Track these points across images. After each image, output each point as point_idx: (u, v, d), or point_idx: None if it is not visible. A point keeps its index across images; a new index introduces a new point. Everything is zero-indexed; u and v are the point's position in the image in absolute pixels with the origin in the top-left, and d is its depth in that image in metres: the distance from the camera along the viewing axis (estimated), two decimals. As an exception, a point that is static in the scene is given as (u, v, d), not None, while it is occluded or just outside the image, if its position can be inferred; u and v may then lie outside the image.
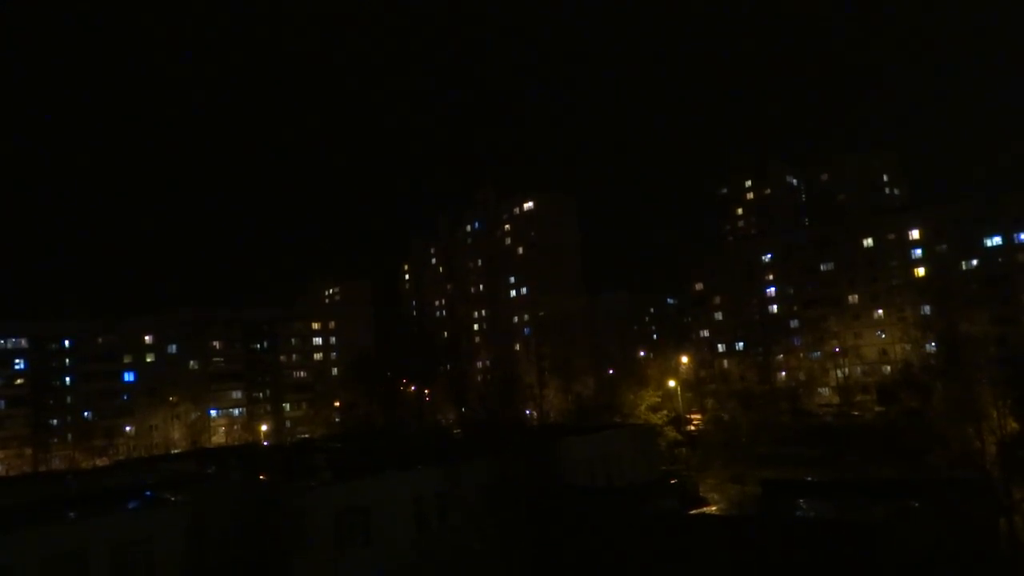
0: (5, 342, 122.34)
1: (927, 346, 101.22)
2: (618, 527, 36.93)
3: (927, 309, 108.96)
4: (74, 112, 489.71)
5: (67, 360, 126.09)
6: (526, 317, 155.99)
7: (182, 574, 35.81)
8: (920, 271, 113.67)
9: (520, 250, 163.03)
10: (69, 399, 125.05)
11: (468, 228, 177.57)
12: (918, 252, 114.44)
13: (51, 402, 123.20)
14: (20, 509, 38.99)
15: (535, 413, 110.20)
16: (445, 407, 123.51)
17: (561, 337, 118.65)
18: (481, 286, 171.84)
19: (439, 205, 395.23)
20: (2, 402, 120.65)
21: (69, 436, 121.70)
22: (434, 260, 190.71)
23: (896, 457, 58.64)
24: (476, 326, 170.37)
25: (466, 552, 39.03)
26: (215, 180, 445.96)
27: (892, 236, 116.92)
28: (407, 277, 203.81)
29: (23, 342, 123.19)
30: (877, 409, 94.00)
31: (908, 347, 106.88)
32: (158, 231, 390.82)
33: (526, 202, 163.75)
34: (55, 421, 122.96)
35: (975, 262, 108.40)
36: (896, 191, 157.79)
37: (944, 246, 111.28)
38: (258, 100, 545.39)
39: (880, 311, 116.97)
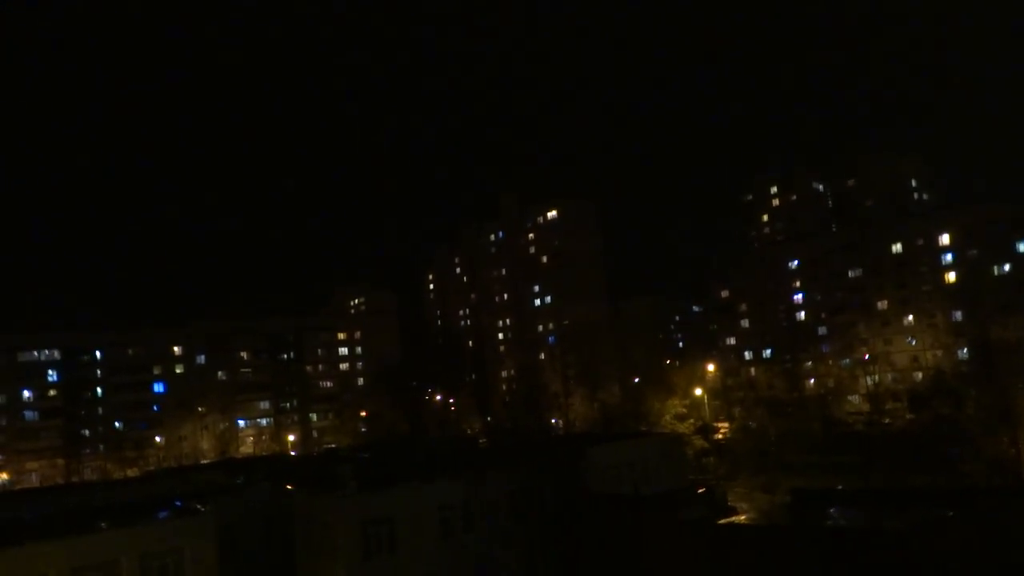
0: (38, 354, 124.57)
1: (959, 353, 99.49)
2: (645, 536, 36.65)
3: (958, 315, 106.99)
4: (100, 124, 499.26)
5: (98, 371, 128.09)
6: (551, 325, 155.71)
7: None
8: (951, 276, 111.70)
9: (544, 258, 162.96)
10: (100, 410, 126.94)
11: (492, 237, 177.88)
12: (948, 257, 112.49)
13: (83, 413, 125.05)
14: (53, 519, 39.62)
15: (560, 422, 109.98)
16: (470, 416, 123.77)
17: (586, 345, 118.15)
18: (505, 295, 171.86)
19: (463, 213, 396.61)
20: (36, 414, 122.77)
21: (101, 447, 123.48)
22: (458, 269, 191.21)
23: (928, 465, 57.70)
24: (501, 335, 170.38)
25: (492, 561, 38.97)
26: (241, 191, 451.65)
27: (921, 241, 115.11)
28: (431, 286, 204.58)
29: (56, 354, 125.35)
30: (908, 417, 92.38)
31: (939, 354, 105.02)
32: (185, 242, 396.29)
33: (549, 210, 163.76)
34: (87, 432, 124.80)
35: (1007, 267, 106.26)
36: (925, 196, 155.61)
37: (975, 251, 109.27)
38: (284, 109, 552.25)
39: (910, 317, 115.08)
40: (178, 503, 43.07)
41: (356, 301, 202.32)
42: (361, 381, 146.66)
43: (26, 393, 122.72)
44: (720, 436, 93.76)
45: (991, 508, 33.04)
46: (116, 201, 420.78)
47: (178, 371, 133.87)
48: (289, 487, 47.04)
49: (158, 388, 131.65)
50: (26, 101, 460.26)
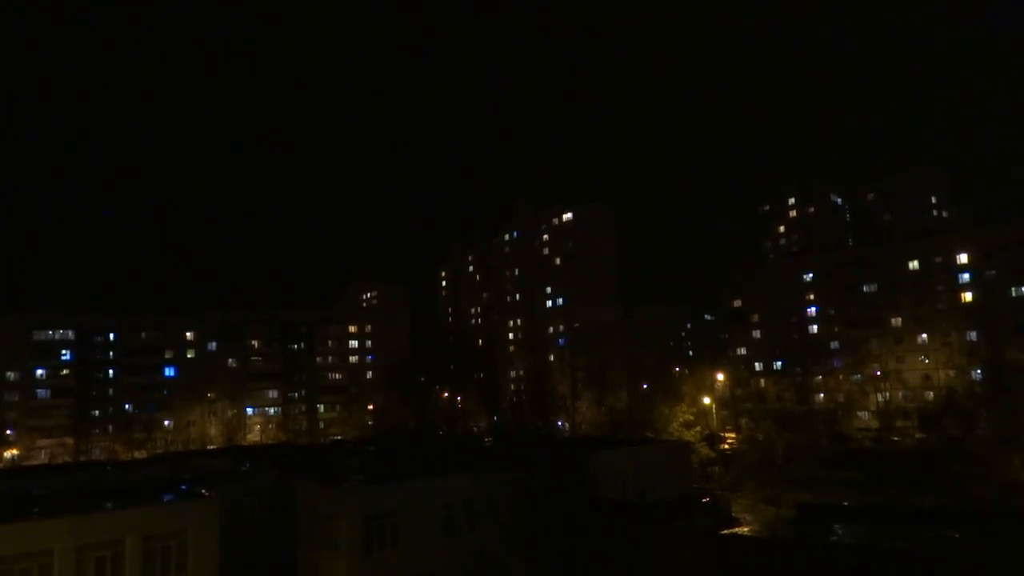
0: (52, 334, 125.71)
1: (972, 373, 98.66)
2: (648, 543, 36.51)
3: (973, 335, 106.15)
4: (122, 116, 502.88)
5: (111, 353, 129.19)
6: (561, 328, 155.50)
7: (214, 567, 36.26)
8: (967, 296, 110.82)
9: (557, 260, 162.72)
10: (111, 391, 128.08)
11: (506, 237, 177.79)
12: (966, 276, 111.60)
13: (94, 393, 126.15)
14: (59, 496, 39.94)
15: (567, 424, 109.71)
16: (477, 415, 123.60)
17: (596, 349, 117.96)
18: (517, 295, 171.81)
19: (478, 212, 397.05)
20: (47, 392, 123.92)
21: (110, 427, 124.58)
22: (471, 268, 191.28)
23: (937, 485, 57.26)
24: (511, 335, 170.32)
25: (493, 561, 38.93)
26: (259, 182, 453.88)
27: (939, 259, 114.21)
28: (444, 284, 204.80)
29: (70, 334, 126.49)
30: (918, 435, 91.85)
31: (952, 373, 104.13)
32: (202, 231, 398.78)
33: (565, 212, 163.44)
34: (97, 412, 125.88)
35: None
36: (944, 213, 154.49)
37: (993, 271, 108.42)
38: (306, 106, 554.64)
39: (924, 335, 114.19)
40: (183, 487, 43.31)
41: (369, 295, 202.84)
42: (370, 375, 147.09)
43: (39, 371, 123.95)
44: (727, 446, 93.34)
45: (999, 531, 32.69)
46: (141, 189, 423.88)
47: (189, 356, 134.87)
48: (294, 477, 47.18)
49: (169, 372, 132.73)
50: (50, 90, 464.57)
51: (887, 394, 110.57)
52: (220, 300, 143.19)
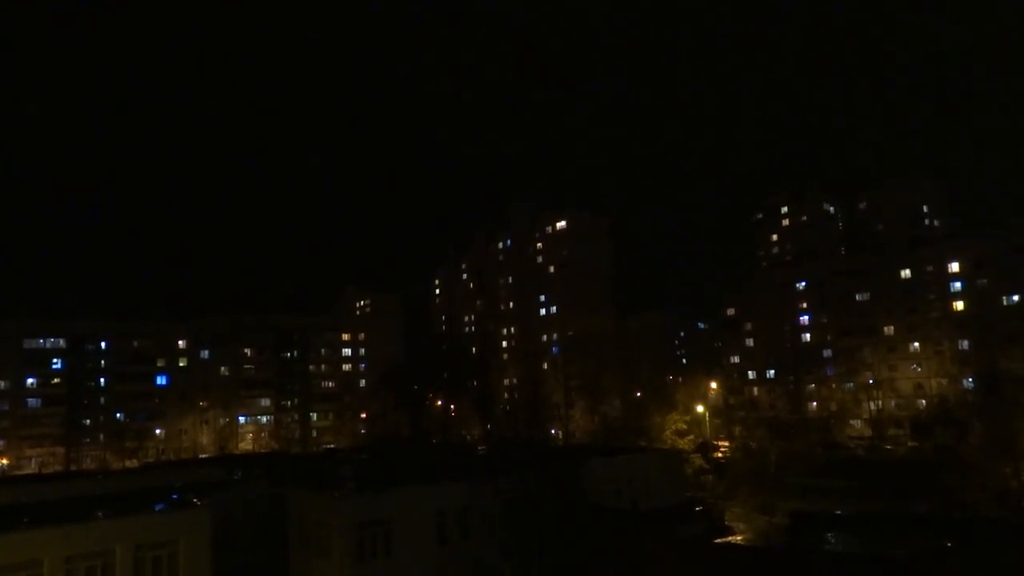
0: (44, 342, 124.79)
1: (964, 382, 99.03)
2: (641, 551, 36.48)
3: (965, 344, 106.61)
4: (117, 119, 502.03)
5: (102, 361, 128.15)
6: (555, 336, 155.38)
7: (205, 577, 36.06)
8: (959, 305, 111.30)
9: (551, 268, 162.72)
10: (102, 400, 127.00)
11: (500, 244, 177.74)
12: (957, 285, 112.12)
13: (85, 402, 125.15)
14: (50, 506, 39.67)
15: (560, 432, 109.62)
16: (471, 423, 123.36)
17: (589, 357, 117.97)
18: (511, 303, 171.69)
19: (474, 220, 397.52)
20: (38, 401, 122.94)
21: (101, 437, 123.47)
22: (465, 275, 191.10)
23: (929, 494, 57.31)
24: (504, 343, 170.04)
25: (487, 568, 38.84)
26: (253, 190, 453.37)
27: (931, 268, 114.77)
28: (438, 291, 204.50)
29: (61, 342, 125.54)
30: (911, 444, 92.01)
31: (944, 382, 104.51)
32: (195, 238, 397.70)
33: (559, 220, 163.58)
34: (88, 421, 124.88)
35: (1016, 297, 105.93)
36: (936, 222, 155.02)
37: (985, 280, 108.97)
38: (297, 111, 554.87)
39: (916, 344, 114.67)
40: (175, 496, 43.09)
41: (363, 302, 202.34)
42: (363, 383, 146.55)
43: (30, 380, 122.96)
44: (720, 454, 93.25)
45: (991, 540, 32.77)
46: (133, 196, 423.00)
47: (182, 364, 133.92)
48: (287, 485, 47.00)
49: (161, 380, 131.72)
50: (46, 94, 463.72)
51: (880, 402, 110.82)
52: (213, 307, 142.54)
